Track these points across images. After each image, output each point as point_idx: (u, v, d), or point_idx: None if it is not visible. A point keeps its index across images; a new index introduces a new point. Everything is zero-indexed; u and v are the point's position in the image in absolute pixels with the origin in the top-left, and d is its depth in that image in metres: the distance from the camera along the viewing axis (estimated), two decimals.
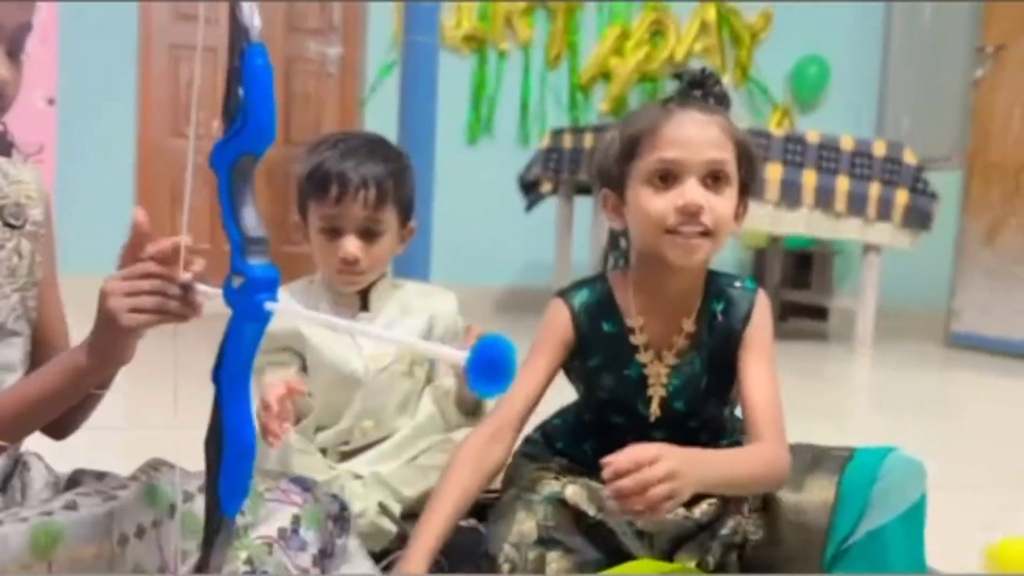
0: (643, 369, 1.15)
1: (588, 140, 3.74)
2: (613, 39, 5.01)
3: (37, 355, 1.02)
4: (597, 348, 1.15)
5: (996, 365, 3.78)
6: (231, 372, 0.75)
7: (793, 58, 5.29)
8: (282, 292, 1.35)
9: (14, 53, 0.88)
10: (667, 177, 1.07)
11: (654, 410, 1.15)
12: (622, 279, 1.17)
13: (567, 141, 3.91)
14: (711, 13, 5.17)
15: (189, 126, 4.47)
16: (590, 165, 3.59)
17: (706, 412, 1.19)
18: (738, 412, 1.19)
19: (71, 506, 0.86)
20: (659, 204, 1.07)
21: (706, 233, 1.06)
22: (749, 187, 1.13)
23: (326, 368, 1.34)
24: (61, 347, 1.05)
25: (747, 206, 1.15)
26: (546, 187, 4.21)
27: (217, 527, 0.76)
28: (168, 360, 0.96)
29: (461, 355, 0.61)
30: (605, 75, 5.04)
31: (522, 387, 1.13)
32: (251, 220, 0.76)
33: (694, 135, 1.07)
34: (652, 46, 5.09)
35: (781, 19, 5.25)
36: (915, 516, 1.07)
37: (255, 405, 0.94)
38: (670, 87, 1.18)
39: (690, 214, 1.05)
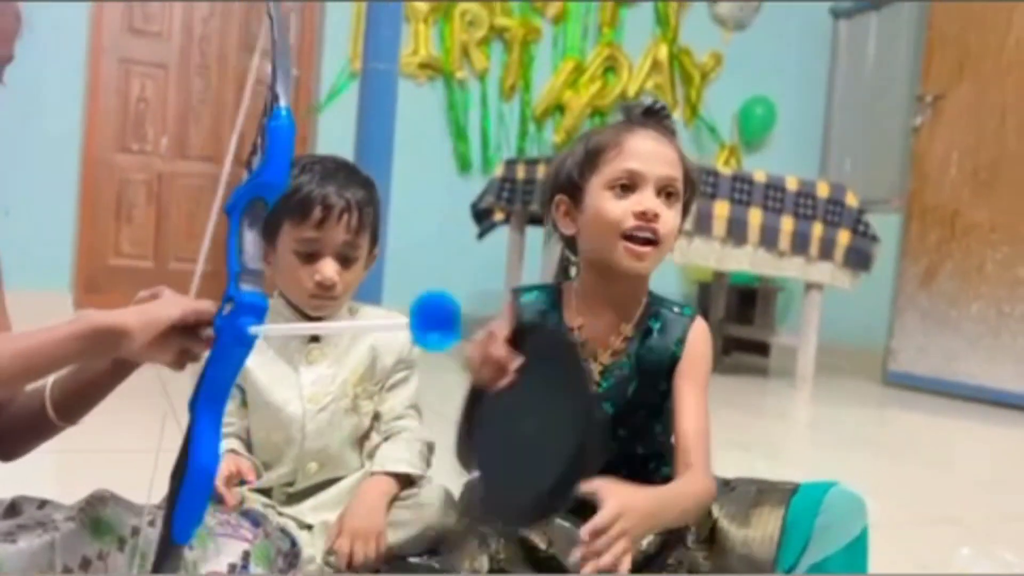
0: None
1: (541, 171, 3.77)
2: (567, 72, 5.08)
3: None
4: None
5: (930, 404, 3.89)
6: (208, 396, 0.76)
7: (741, 99, 5.43)
8: None
9: None
10: (628, 186, 1.16)
11: None
12: (569, 286, 1.27)
13: (520, 171, 3.94)
14: (663, 51, 5.28)
15: (139, 142, 4.39)
16: (543, 183, 3.61)
17: (635, 421, 1.21)
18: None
19: (10, 539, 0.84)
20: (618, 209, 1.16)
21: (654, 242, 1.15)
22: (688, 208, 1.23)
23: (266, 406, 1.31)
24: None
25: (681, 229, 1.23)
26: (499, 216, 4.23)
27: (165, 554, 0.75)
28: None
29: (402, 319, 0.63)
30: (559, 107, 5.10)
31: None
32: (252, 255, 0.81)
33: (655, 151, 1.17)
34: (605, 81, 5.18)
35: (731, 60, 5.39)
36: (857, 550, 1.10)
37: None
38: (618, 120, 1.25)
39: (647, 219, 1.15)
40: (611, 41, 5.18)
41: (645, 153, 1.17)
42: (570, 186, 1.21)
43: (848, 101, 5.63)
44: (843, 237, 3.84)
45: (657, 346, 1.20)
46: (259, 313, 0.78)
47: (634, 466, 1.20)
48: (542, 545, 1.10)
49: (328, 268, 1.26)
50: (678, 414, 1.17)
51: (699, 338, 1.22)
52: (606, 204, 1.16)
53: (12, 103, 3.77)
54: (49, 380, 0.89)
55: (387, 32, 2.86)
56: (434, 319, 0.64)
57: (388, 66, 2.71)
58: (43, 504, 0.99)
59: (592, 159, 1.19)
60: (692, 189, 1.22)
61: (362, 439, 1.38)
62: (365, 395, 1.36)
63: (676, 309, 1.24)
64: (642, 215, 1.14)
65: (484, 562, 1.06)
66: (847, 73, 5.64)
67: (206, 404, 0.77)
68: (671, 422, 1.21)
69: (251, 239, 0.81)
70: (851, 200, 3.86)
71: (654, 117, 1.22)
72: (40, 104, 3.98)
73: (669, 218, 1.16)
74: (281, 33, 0.85)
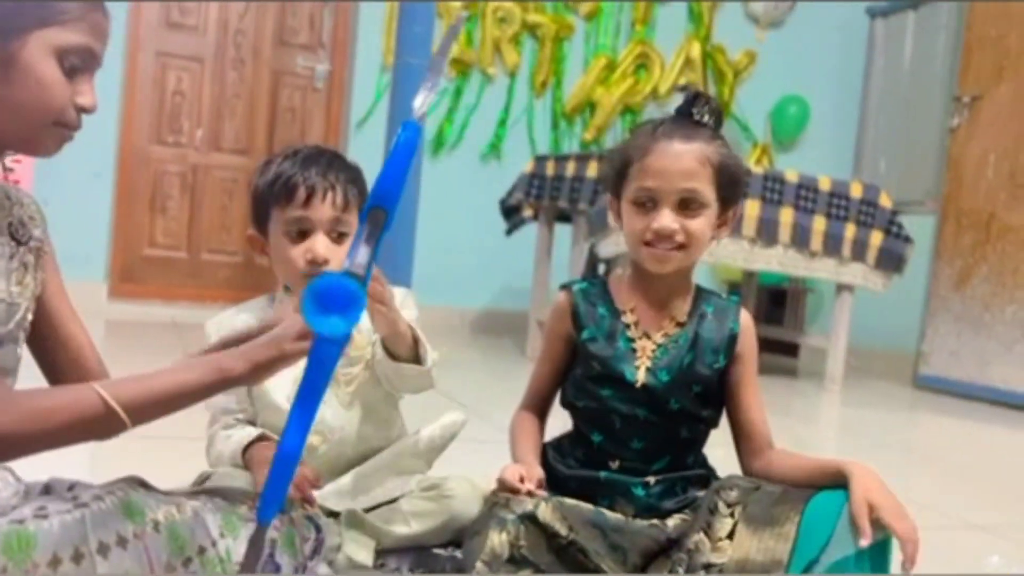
0: (632, 343, 1.27)
1: (570, 168, 3.77)
2: (599, 69, 5.07)
3: (64, 365, 1.09)
4: (591, 323, 1.30)
5: (962, 408, 3.84)
6: (305, 391, 0.82)
7: (774, 97, 5.39)
8: (235, 311, 1.37)
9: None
10: (646, 202, 1.24)
11: (640, 377, 1.25)
12: (617, 277, 1.35)
13: (550, 168, 3.94)
14: (696, 49, 5.25)
15: (175, 135, 4.45)
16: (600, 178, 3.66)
17: (687, 395, 1.26)
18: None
19: (41, 513, 0.86)
20: (639, 223, 1.24)
21: (680, 247, 1.23)
22: (734, 200, 1.27)
23: (274, 409, 1.35)
24: (90, 354, 1.11)
25: (736, 214, 1.29)
26: (527, 212, 4.23)
27: (254, 535, 0.84)
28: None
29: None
30: (590, 104, 5.09)
31: (535, 375, 1.36)
32: (360, 260, 0.84)
33: (669, 167, 1.22)
34: (636, 79, 5.16)
35: (764, 58, 5.35)
36: (880, 551, 1.09)
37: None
38: (654, 112, 1.29)
39: (662, 238, 1.22)
40: (643, 38, 5.16)
41: (660, 170, 1.22)
42: (613, 190, 1.31)
43: (883, 101, 5.56)
44: (876, 238, 3.80)
45: (713, 324, 1.30)
46: (356, 311, 0.82)
47: (676, 452, 1.25)
48: (562, 531, 1.12)
49: (319, 244, 1.29)
50: (745, 400, 1.29)
51: (751, 327, 1.32)
52: (630, 219, 1.26)
53: None
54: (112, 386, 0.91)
55: (420, 29, 2.88)
56: (332, 302, 0.69)
57: (420, 61, 2.73)
58: (72, 486, 1.02)
59: (620, 173, 1.27)
60: (730, 182, 1.25)
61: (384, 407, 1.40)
62: (356, 346, 1.37)
63: (723, 296, 1.35)
64: (656, 234, 1.22)
65: (504, 548, 1.07)
66: (883, 73, 5.57)
67: (301, 397, 0.82)
68: (720, 409, 1.31)
69: (364, 250, 0.84)
70: (885, 201, 3.81)
71: (687, 116, 1.26)
72: None
73: (692, 226, 1.23)
74: (443, 51, 0.89)
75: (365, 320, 1.31)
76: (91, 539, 0.86)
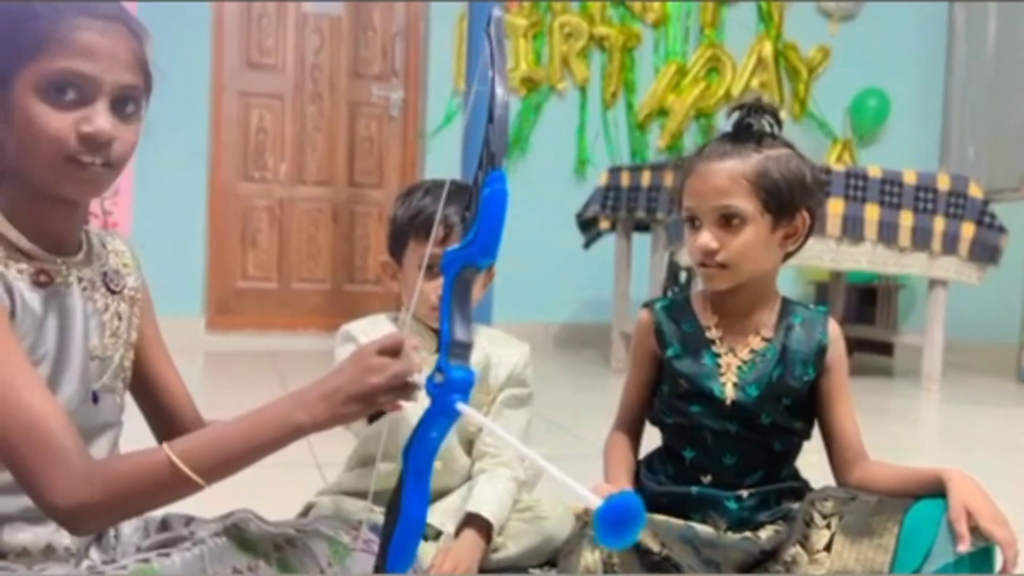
0: (717, 359, 1.27)
1: (646, 178, 3.77)
2: (670, 76, 5.05)
3: (158, 410, 1.11)
4: (676, 340, 1.32)
5: None
6: (417, 456, 0.83)
7: (852, 91, 5.26)
8: (366, 321, 1.40)
9: (121, 113, 0.92)
10: (693, 221, 1.27)
11: (728, 393, 1.25)
12: (700, 294, 1.36)
13: (625, 179, 3.94)
14: (767, 48, 5.18)
15: (260, 170, 4.62)
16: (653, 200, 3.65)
17: (777, 409, 1.26)
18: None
19: (164, 553, 0.92)
20: (692, 244, 1.28)
21: (723, 266, 1.24)
22: (790, 209, 1.25)
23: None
24: (183, 399, 1.13)
25: (807, 222, 1.27)
26: (604, 224, 4.24)
27: None
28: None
29: (595, 500, 0.61)
30: (662, 112, 5.07)
31: (625, 394, 1.38)
32: (462, 325, 0.83)
33: (701, 187, 1.26)
34: (708, 82, 5.12)
35: (839, 53, 5.24)
36: (984, 559, 1.07)
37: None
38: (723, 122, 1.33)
39: (705, 255, 1.25)
40: (713, 41, 5.12)
41: (697, 191, 1.26)
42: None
43: (968, 87, 5.37)
44: (967, 230, 3.67)
45: (802, 337, 1.29)
46: (466, 389, 0.82)
47: (769, 466, 1.24)
48: (655, 547, 1.13)
49: None
50: (837, 412, 1.29)
51: (840, 337, 1.32)
52: (687, 238, 1.30)
53: (145, 142, 4.02)
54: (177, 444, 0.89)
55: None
56: (620, 525, 0.63)
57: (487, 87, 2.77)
58: (189, 521, 1.08)
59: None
60: (781, 191, 1.23)
61: (471, 443, 1.43)
62: (475, 403, 1.40)
63: (811, 307, 1.35)
64: (698, 251, 1.26)
65: (598, 566, 1.08)
66: (966, 58, 5.38)
67: (415, 463, 0.83)
68: (811, 420, 1.31)
69: (460, 310, 0.83)
70: (974, 191, 3.69)
71: (743, 129, 1.27)
72: (170, 141, 4.24)
73: (733, 243, 1.24)
74: (501, 77, 0.83)
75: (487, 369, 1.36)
76: (209, 573, 0.92)
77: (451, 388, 0.81)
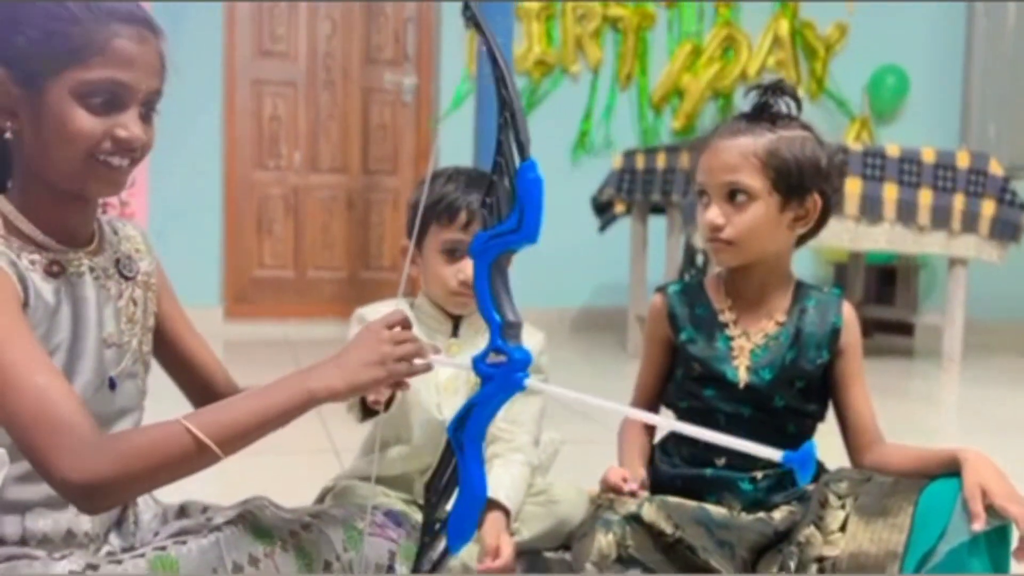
0: (730, 342, 1.28)
1: (661, 160, 3.74)
2: (684, 56, 5.01)
3: (192, 384, 1.13)
4: (689, 324, 1.32)
5: None
6: (473, 433, 0.89)
7: (870, 69, 5.20)
8: (381, 305, 1.41)
9: (147, 116, 0.97)
10: (702, 197, 1.28)
11: (742, 376, 1.26)
12: (714, 278, 1.36)
13: (640, 162, 3.92)
14: (784, 27, 5.12)
15: (274, 159, 4.63)
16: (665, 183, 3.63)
17: (791, 392, 1.26)
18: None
19: (180, 540, 0.93)
20: (703, 220, 1.28)
21: (729, 242, 1.25)
22: (801, 190, 1.24)
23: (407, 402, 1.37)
24: (216, 371, 1.15)
25: (819, 204, 1.26)
26: (619, 208, 4.22)
27: (441, 558, 0.93)
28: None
29: (777, 454, 0.76)
30: (677, 92, 5.03)
31: (640, 379, 1.38)
32: (510, 307, 0.90)
33: (711, 163, 1.26)
34: (724, 62, 5.07)
35: (857, 30, 5.17)
36: (1000, 538, 1.06)
37: None
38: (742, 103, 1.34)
39: (712, 230, 1.25)
40: (728, 20, 5.07)
41: (708, 167, 1.27)
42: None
43: (989, 64, 5.28)
44: (988, 208, 3.63)
45: (816, 320, 1.29)
46: (526, 367, 0.88)
47: (784, 447, 1.23)
48: (668, 530, 1.13)
49: (471, 268, 1.32)
50: (852, 395, 1.28)
51: (854, 319, 1.31)
52: (698, 214, 1.30)
53: (159, 133, 4.04)
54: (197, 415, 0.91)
55: (499, 33, 2.91)
56: (806, 463, 0.75)
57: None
58: (205, 508, 1.10)
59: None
60: (791, 171, 1.22)
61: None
62: None
63: (825, 289, 1.34)
64: (705, 227, 1.27)
65: (611, 549, 1.09)
66: (986, 33, 5.30)
67: (471, 439, 0.89)
68: (825, 402, 1.31)
69: (505, 292, 0.89)
70: (995, 168, 3.64)
71: (754, 113, 1.27)
72: (184, 131, 4.26)
73: (739, 220, 1.24)
74: (507, 71, 0.89)
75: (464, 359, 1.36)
76: (226, 560, 0.93)
77: (516, 367, 0.87)
